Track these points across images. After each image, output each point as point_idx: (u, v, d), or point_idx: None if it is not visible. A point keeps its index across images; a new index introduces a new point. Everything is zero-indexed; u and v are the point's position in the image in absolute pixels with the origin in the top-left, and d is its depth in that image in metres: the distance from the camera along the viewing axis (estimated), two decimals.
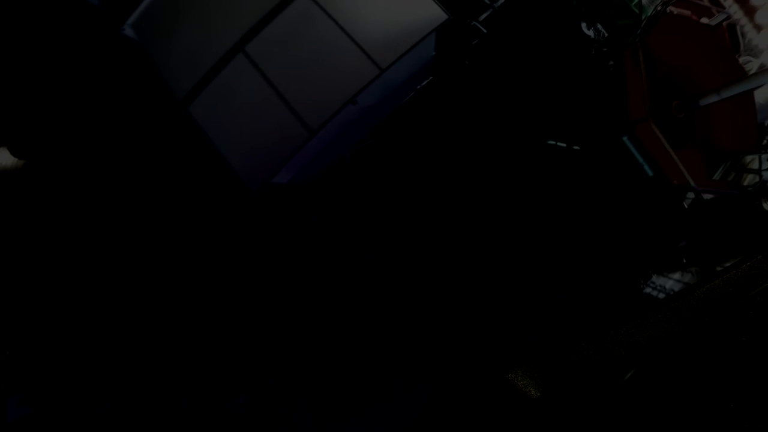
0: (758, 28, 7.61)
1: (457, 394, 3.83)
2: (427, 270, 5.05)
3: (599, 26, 4.87)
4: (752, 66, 7.09)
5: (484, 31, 5.27)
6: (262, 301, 4.51)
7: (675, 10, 5.40)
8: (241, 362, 4.27)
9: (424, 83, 5.44)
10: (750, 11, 7.83)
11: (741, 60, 5.80)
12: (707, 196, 5.19)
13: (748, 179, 5.68)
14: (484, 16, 4.96)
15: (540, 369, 3.42)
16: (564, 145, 4.93)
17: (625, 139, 4.82)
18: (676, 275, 5.08)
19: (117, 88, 5.13)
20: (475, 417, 3.52)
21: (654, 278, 4.98)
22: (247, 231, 4.47)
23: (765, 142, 5.51)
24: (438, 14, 4.39)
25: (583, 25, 4.82)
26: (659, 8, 5.13)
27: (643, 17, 5.20)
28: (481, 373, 3.99)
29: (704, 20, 5.55)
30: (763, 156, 5.34)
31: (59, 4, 5.34)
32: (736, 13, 7.41)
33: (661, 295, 4.98)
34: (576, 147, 4.96)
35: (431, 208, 5.57)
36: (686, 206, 5.09)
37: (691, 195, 5.14)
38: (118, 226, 4.34)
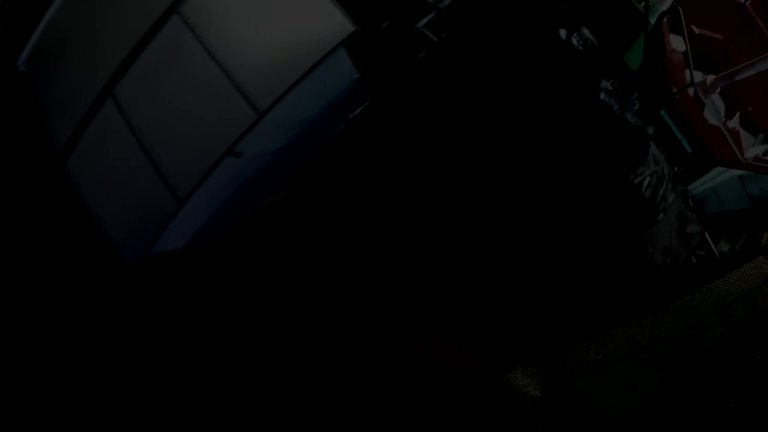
0: None
1: (456, 394, 3.67)
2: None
3: (586, 32, 3.38)
4: None
5: (434, 39, 3.98)
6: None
7: None
8: None
9: (358, 111, 4.27)
10: None
11: None
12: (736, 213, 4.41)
13: None
14: (426, 20, 3.69)
15: (540, 369, 3.41)
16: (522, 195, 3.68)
17: (663, 112, 4.44)
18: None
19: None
20: (475, 417, 3.45)
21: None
22: (128, 315, 3.70)
23: None
24: (340, 27, 3.22)
25: (562, 33, 3.37)
26: None
27: (651, 19, 3.85)
28: (480, 373, 3.79)
29: None
30: None
31: None
32: None
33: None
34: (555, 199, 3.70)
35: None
36: (695, 260, 3.93)
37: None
38: None
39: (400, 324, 4.14)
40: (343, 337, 4.11)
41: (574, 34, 3.42)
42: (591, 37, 3.45)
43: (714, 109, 4.49)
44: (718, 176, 4.36)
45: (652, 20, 3.93)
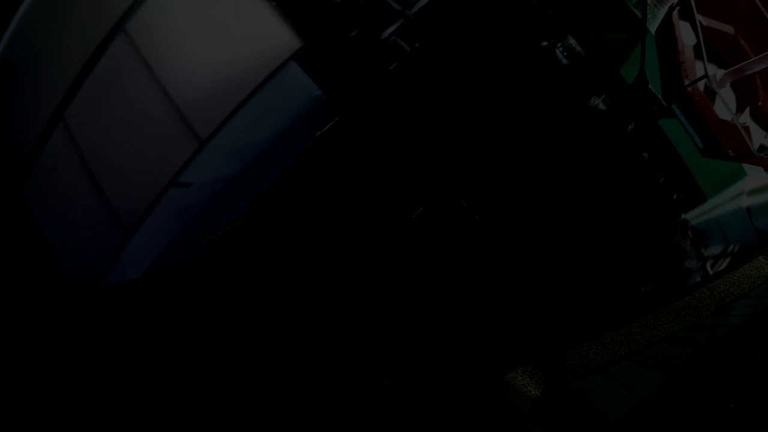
0: None
1: (456, 394, 3.64)
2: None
3: (572, 41, 2.89)
4: None
5: (407, 48, 3.60)
6: None
7: None
8: None
9: (327, 128, 3.96)
10: None
11: None
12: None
13: None
14: (393, 28, 3.30)
15: (540, 369, 3.36)
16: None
17: (674, 106, 4.36)
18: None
19: None
20: (474, 417, 3.40)
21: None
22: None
23: None
24: (286, 45, 2.91)
25: (544, 44, 2.90)
26: None
27: (648, 22, 3.39)
28: (480, 373, 3.73)
29: None
30: None
31: None
32: None
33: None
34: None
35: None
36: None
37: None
38: None
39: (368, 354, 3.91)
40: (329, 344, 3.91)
41: (558, 44, 2.94)
42: (578, 47, 2.96)
43: (725, 104, 4.36)
44: (721, 206, 3.90)
45: (651, 27, 3.43)
